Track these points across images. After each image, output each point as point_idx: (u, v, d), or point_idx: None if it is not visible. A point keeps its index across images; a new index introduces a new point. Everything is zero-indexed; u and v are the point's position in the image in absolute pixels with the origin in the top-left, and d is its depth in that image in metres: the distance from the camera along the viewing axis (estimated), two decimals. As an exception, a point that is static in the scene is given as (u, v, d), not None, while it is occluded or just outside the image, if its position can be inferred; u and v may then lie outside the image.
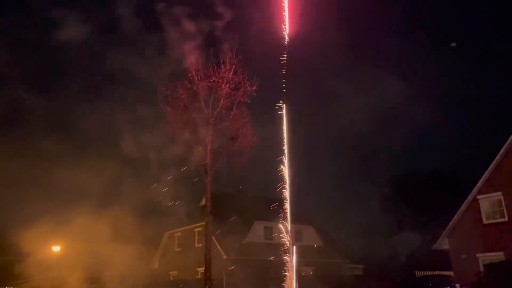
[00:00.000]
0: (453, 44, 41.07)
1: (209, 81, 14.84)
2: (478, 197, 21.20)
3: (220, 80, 14.73)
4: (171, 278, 31.55)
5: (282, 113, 11.53)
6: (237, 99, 14.99)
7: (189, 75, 14.97)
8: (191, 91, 14.99)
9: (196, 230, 30.81)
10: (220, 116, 15.10)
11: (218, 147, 15.22)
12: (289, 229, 12.30)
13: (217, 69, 14.91)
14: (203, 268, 15.46)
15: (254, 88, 15.16)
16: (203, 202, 26.83)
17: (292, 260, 11.86)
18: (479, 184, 21.28)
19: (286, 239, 12.26)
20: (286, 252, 12.00)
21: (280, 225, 12.26)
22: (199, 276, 26.44)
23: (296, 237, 32.16)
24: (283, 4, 11.69)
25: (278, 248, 30.79)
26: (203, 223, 15.39)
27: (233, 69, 14.80)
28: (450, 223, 22.31)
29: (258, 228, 30.25)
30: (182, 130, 15.03)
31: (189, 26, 14.67)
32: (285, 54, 11.37)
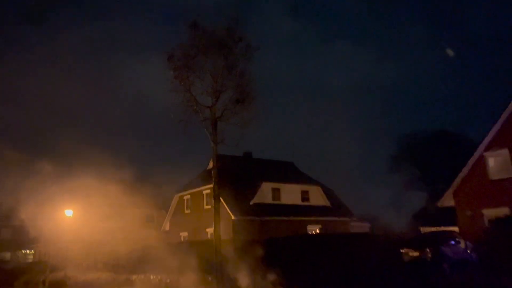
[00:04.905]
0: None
1: (213, 39, 14.60)
2: (485, 153, 21.23)
3: (224, 34, 14.45)
4: (182, 239, 32.43)
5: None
6: (240, 58, 14.75)
7: (191, 34, 14.71)
8: (194, 52, 14.79)
9: (204, 192, 31.33)
10: (224, 76, 14.92)
11: (224, 109, 15.17)
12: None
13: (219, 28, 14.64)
14: (212, 229, 15.82)
15: (257, 47, 14.93)
16: (210, 165, 27.10)
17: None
18: (485, 141, 21.26)
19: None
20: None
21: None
22: (209, 237, 27.14)
23: (303, 197, 32.72)
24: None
25: (285, 209, 31.36)
26: (211, 185, 15.58)
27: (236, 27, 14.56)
28: (456, 180, 22.48)
29: (266, 189, 30.68)
30: (187, 93, 14.95)
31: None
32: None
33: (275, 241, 21.23)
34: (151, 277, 22.14)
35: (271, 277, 16.08)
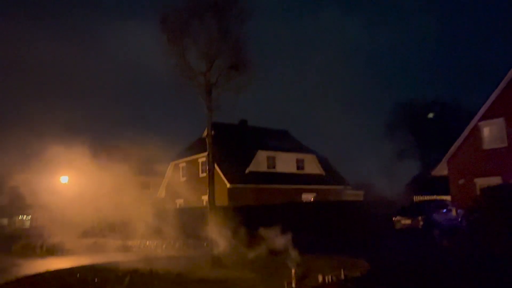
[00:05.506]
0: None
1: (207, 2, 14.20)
2: (480, 123, 21.26)
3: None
4: (177, 206, 32.74)
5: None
6: (234, 22, 14.38)
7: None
8: (187, 16, 14.39)
9: (200, 160, 31.40)
10: (218, 41, 14.57)
11: (218, 75, 14.91)
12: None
13: None
14: (207, 196, 15.90)
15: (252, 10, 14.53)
16: (205, 133, 27.03)
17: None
18: (481, 110, 21.25)
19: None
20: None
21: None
22: (204, 204, 27.40)
23: (298, 165, 32.89)
24: None
25: (280, 177, 31.52)
26: (207, 153, 15.52)
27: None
28: (451, 149, 22.59)
29: (261, 157, 30.77)
30: (181, 58, 14.63)
31: None
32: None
33: (267, 208, 21.51)
34: (147, 242, 22.44)
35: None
